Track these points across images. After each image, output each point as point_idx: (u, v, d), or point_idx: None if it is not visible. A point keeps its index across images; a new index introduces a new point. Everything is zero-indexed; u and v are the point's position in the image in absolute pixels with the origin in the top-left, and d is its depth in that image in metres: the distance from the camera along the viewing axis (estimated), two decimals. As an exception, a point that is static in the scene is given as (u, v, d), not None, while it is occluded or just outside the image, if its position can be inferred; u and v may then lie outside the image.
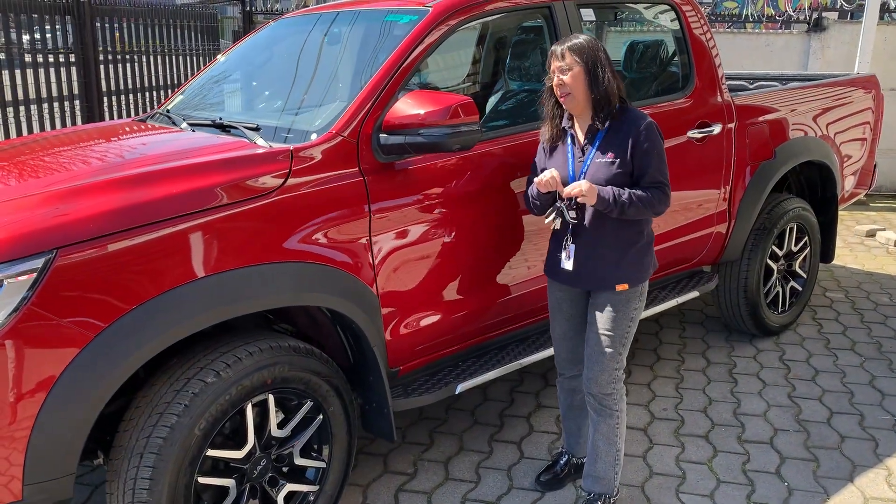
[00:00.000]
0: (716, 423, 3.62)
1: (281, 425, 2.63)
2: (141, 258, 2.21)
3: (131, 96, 8.09)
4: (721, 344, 4.51)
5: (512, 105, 3.46)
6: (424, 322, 2.96)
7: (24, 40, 7.13)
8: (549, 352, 3.35)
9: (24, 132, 6.98)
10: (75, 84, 7.49)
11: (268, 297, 2.42)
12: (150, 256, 2.22)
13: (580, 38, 2.72)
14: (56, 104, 7.30)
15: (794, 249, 4.59)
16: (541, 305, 3.36)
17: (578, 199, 2.66)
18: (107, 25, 7.71)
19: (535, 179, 2.76)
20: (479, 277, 3.09)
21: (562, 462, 3.20)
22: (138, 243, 2.21)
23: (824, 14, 8.28)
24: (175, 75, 8.54)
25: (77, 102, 7.52)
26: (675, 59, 3.91)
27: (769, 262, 4.42)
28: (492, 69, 3.66)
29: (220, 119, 3.04)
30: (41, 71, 7.10)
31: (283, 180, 2.52)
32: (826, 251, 4.88)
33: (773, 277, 4.50)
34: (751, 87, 5.61)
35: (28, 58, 7.05)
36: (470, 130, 2.65)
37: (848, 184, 5.04)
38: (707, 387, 3.98)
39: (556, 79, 2.72)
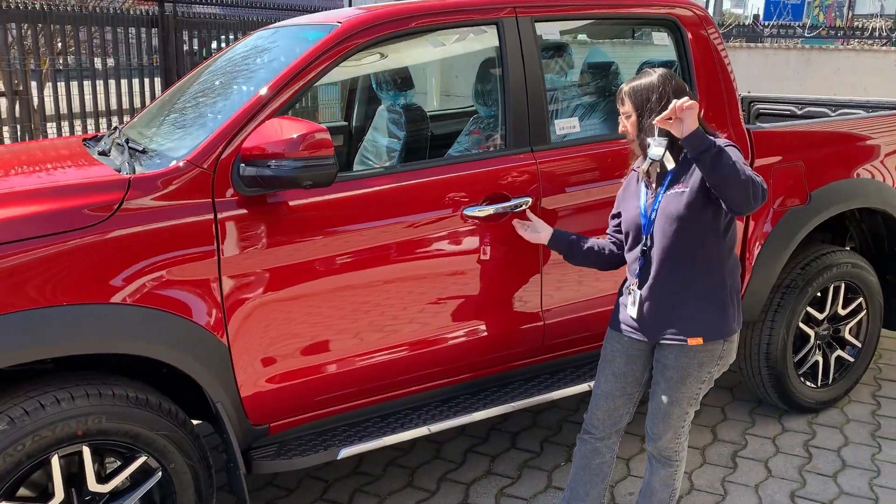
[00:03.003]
0: (683, 520, 3.03)
1: (107, 479, 2.40)
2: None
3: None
4: (741, 417, 3.84)
5: (441, 137, 3.07)
6: (301, 377, 2.63)
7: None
8: (478, 416, 2.93)
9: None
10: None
11: (63, 343, 2.19)
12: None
13: (643, 79, 2.47)
14: (139, 113, 7.60)
15: (843, 312, 3.82)
16: (464, 363, 2.95)
17: (672, 125, 2.29)
18: (195, 38, 7.95)
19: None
20: (375, 329, 2.72)
21: None
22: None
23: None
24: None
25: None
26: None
27: (803, 326, 3.70)
28: (418, 95, 3.28)
29: (128, 142, 2.88)
30: (123, 82, 7.40)
31: (108, 213, 2.28)
32: (892, 315, 4.04)
33: (811, 344, 3.77)
34: (833, 114, 4.84)
35: (111, 66, 7.37)
36: (323, 165, 2.31)
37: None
38: (697, 470, 3.36)
39: (620, 125, 2.52)
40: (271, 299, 2.51)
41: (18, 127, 6.99)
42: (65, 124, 6.98)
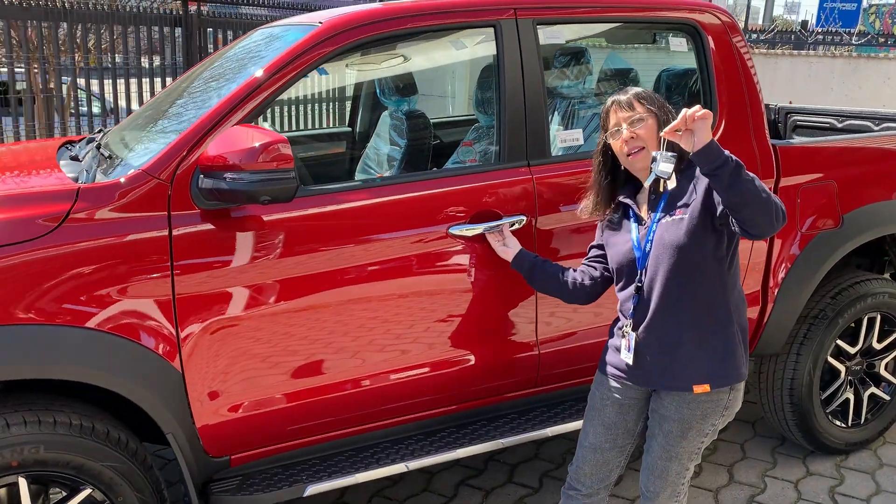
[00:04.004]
0: (686, 575, 2.74)
1: (47, 512, 2.23)
2: None
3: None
4: (762, 456, 3.53)
5: (446, 146, 2.84)
6: (265, 406, 2.43)
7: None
8: (462, 453, 2.70)
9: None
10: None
11: (-10, 367, 2.02)
12: None
13: (638, 88, 2.28)
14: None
15: (878, 346, 3.50)
16: (449, 394, 2.72)
17: (683, 137, 2.02)
18: (219, 36, 7.84)
19: None
20: (349, 355, 2.51)
21: None
22: None
23: None
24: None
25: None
26: (693, 93, 3.07)
27: (832, 360, 3.39)
28: (442, 99, 3.05)
29: (99, 148, 2.72)
30: (145, 81, 7.32)
31: (53, 225, 2.11)
32: (935, 351, 3.70)
33: (841, 380, 3.45)
34: (876, 128, 4.50)
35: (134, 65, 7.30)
36: (281, 179, 2.10)
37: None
38: (708, 516, 3.09)
39: (625, 132, 2.21)
40: (232, 322, 2.31)
41: (46, 125, 6.95)
42: (84, 123, 6.92)
